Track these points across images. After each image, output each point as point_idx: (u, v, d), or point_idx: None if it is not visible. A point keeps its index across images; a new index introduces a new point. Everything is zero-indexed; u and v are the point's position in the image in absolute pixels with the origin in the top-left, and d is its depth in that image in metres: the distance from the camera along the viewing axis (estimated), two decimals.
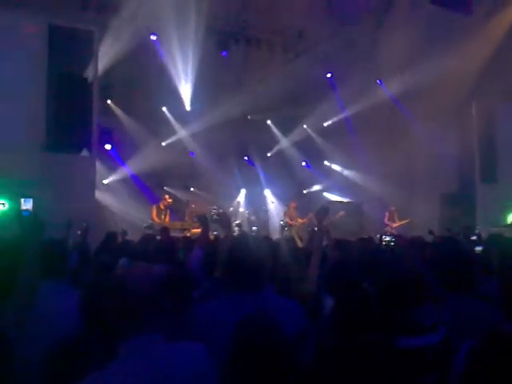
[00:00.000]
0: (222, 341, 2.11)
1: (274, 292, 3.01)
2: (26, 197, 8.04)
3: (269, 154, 15.48)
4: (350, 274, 2.61)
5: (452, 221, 12.40)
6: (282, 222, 11.35)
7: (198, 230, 8.62)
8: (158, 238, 6.94)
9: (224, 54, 12.82)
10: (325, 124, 15.31)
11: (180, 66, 12.42)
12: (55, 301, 2.63)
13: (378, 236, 8.30)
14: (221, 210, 10.81)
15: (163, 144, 13.70)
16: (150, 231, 9.73)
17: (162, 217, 11.27)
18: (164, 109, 13.55)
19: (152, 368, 1.64)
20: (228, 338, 2.12)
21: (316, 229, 4.14)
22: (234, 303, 2.32)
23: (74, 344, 2.01)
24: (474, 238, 6.65)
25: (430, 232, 8.06)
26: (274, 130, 15.15)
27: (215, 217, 10.43)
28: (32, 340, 2.38)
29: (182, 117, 13.67)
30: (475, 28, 10.79)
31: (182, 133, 13.74)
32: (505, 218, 13.06)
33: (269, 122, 15.02)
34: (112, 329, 1.76)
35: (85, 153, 9.56)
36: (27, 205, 7.97)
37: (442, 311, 2.50)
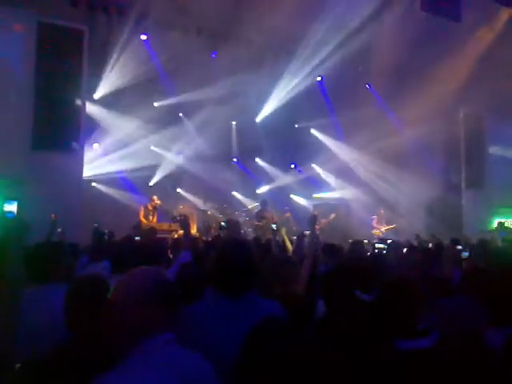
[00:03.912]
0: (203, 343, 2.09)
1: (259, 294, 3.00)
2: (11, 197, 7.94)
3: (257, 159, 15.53)
4: (344, 280, 2.61)
5: (438, 226, 12.53)
6: (273, 226, 11.34)
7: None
8: (137, 238, 6.91)
9: (214, 54, 12.79)
10: (312, 128, 15.43)
11: (169, 66, 12.35)
12: (45, 306, 2.57)
13: (366, 241, 8.34)
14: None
15: (152, 148, 13.65)
16: (136, 231, 9.65)
17: (150, 217, 11.18)
18: (155, 104, 13.45)
19: (170, 369, 1.62)
20: (209, 341, 2.10)
21: (307, 233, 4.16)
22: (218, 305, 2.30)
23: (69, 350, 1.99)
24: (460, 247, 6.73)
25: (417, 237, 8.17)
26: (261, 133, 15.13)
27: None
28: (22, 343, 2.34)
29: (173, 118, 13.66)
30: (464, 35, 10.91)
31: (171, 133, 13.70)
32: (490, 223, 13.24)
33: (257, 120, 14.97)
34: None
35: (73, 150, 9.50)
36: (11, 207, 7.87)
37: (432, 315, 2.52)
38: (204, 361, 1.76)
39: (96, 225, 6.91)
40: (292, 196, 15.67)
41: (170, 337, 1.71)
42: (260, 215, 12.15)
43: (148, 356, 1.63)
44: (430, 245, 7.71)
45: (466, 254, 5.74)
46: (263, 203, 12.51)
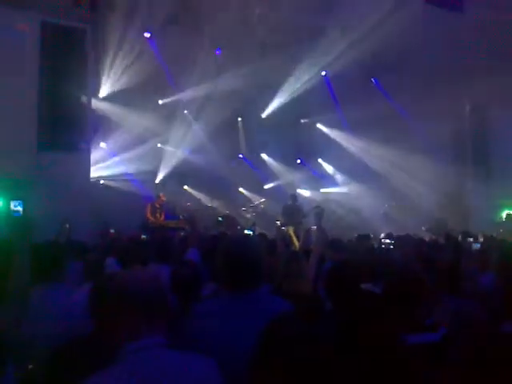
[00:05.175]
0: (212, 341, 2.09)
1: (269, 291, 2.98)
2: (17, 197, 7.97)
3: (262, 155, 15.50)
4: (347, 277, 2.60)
5: (446, 218, 12.47)
6: (278, 222, 11.29)
7: None
8: (143, 236, 6.92)
9: (218, 52, 12.76)
10: (319, 124, 15.37)
11: (174, 64, 12.34)
12: (51, 305, 2.58)
13: (372, 235, 8.29)
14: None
15: (159, 145, 13.66)
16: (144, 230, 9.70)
17: (157, 215, 11.20)
18: (160, 101, 13.44)
19: (152, 373, 1.59)
20: (217, 339, 2.09)
21: (314, 228, 4.16)
22: (225, 304, 2.29)
23: (78, 346, 1.99)
24: (471, 239, 6.70)
25: (428, 230, 8.12)
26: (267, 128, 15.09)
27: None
28: (31, 340, 2.36)
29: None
30: (468, 28, 10.78)
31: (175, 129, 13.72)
32: (498, 216, 13.17)
33: (263, 116, 14.93)
34: (114, 331, 1.73)
35: (80, 150, 9.55)
36: (17, 207, 7.90)
37: (440, 311, 2.51)
38: (199, 364, 1.71)
39: (104, 223, 6.94)
40: (299, 191, 15.63)
41: (152, 341, 1.65)
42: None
43: (122, 361, 1.61)
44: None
45: (477, 246, 5.73)
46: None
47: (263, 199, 14.47)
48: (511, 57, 10.61)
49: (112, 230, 9.39)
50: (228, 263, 2.33)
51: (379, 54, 12.24)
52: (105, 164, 12.70)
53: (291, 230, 5.84)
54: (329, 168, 15.89)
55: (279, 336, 1.57)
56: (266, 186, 15.47)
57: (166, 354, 1.65)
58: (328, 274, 2.69)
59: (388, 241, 6.74)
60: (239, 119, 14.93)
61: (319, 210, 9.89)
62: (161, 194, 11.55)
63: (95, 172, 11.85)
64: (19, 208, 7.85)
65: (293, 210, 11.76)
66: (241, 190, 15.14)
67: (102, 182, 12.73)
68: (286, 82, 13.53)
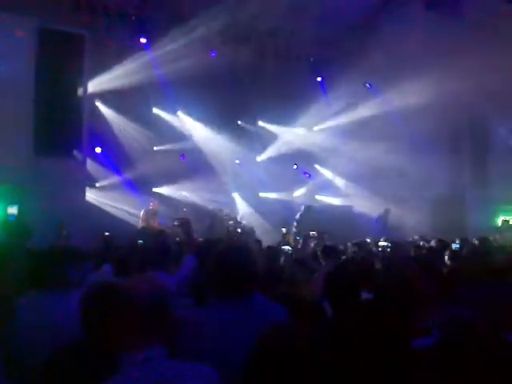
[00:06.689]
0: (207, 347, 2.08)
1: (263, 298, 2.98)
2: (13, 203, 7.96)
3: (258, 159, 15.46)
4: (347, 281, 2.60)
5: (443, 225, 12.49)
6: (283, 230, 11.19)
7: None
8: (140, 242, 6.89)
9: (213, 55, 12.75)
10: (315, 128, 15.36)
11: (170, 67, 12.31)
12: (46, 312, 2.55)
13: (370, 240, 8.28)
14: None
15: (155, 148, 13.63)
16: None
17: (151, 222, 11.15)
18: (154, 110, 13.41)
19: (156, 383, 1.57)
20: (212, 345, 2.08)
21: (312, 233, 4.16)
22: (219, 311, 2.27)
23: (70, 356, 1.96)
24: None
25: (422, 238, 8.14)
26: (266, 132, 15.06)
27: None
28: (22, 349, 2.33)
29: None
30: (467, 34, 10.83)
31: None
32: (494, 222, 13.22)
33: (260, 123, 14.92)
34: (113, 341, 1.70)
35: (75, 156, 9.52)
36: (13, 210, 7.89)
37: (435, 317, 2.52)
38: (199, 374, 1.68)
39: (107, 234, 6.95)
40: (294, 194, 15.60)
41: (153, 353, 1.63)
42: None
43: (123, 374, 1.59)
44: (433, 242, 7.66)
45: (456, 247, 5.74)
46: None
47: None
48: (508, 60, 10.62)
49: (106, 233, 9.38)
50: (220, 271, 2.32)
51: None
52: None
53: (291, 239, 5.88)
54: (328, 174, 15.89)
55: (271, 349, 1.56)
56: (261, 194, 15.37)
57: (167, 365, 1.63)
58: (328, 276, 2.69)
59: (384, 243, 6.71)
60: (239, 122, 14.89)
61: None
62: (155, 201, 11.60)
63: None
64: (14, 211, 7.83)
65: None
66: (235, 195, 15.07)
67: (96, 184, 12.66)
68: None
